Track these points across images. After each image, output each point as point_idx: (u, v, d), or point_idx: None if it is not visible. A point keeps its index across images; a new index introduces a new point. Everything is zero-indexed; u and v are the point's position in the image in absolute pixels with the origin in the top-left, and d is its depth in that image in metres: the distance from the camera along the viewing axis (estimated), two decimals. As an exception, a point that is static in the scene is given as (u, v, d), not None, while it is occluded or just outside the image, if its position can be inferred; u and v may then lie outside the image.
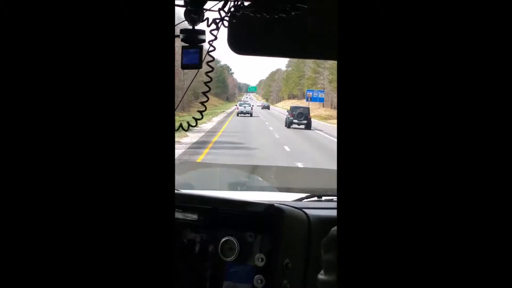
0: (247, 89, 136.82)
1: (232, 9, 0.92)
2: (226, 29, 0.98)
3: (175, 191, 1.53)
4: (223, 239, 1.44)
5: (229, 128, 23.36)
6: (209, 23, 0.93)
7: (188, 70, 0.93)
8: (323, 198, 1.89)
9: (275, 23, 0.91)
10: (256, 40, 1.01)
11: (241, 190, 2.50)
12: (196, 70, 0.95)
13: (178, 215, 1.49)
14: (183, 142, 14.82)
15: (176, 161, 1.04)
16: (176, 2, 0.90)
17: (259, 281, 1.39)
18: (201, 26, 0.93)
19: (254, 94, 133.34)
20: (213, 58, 0.99)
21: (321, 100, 46.66)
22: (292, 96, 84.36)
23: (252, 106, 42.28)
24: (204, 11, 0.92)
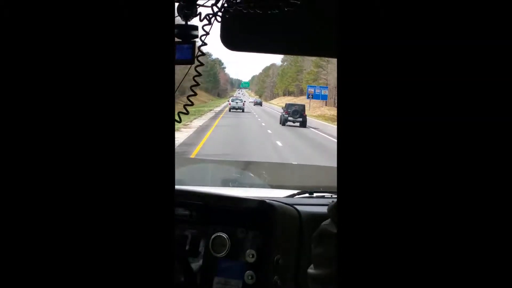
0: (240, 84, 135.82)
1: (226, 4, 0.92)
2: (219, 24, 0.98)
3: None
4: (214, 235, 1.44)
5: (213, 143, 14.19)
6: (202, 18, 0.93)
7: (177, 65, 0.93)
8: (315, 194, 1.89)
9: (268, 19, 0.91)
10: (249, 36, 1.01)
11: (233, 186, 2.50)
12: (188, 66, 0.95)
13: None
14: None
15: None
16: None
17: (250, 277, 1.40)
18: (194, 21, 0.93)
19: (246, 90, 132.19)
20: (203, 54, 0.99)
21: (324, 97, 41.79)
22: (288, 93, 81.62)
23: (244, 102, 42.30)
24: (197, 6, 0.92)
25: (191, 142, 14.09)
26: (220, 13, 0.93)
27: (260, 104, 61.18)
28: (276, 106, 57.11)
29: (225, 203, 1.51)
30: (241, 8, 0.90)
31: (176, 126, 0.65)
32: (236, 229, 1.44)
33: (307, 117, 25.50)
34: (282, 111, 26.06)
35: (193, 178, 2.68)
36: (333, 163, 0.75)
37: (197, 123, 22.33)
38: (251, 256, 1.41)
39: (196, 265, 1.45)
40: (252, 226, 1.44)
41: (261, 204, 1.47)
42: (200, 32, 0.94)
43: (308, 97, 41.55)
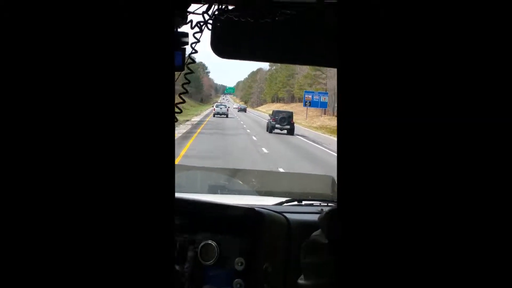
0: (224, 90, 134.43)
1: (216, 12, 0.92)
2: (209, 32, 0.98)
3: None
4: (203, 243, 1.43)
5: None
6: (193, 25, 0.93)
7: None
8: (303, 202, 1.89)
9: (259, 28, 0.91)
10: (239, 44, 1.01)
11: (222, 193, 2.49)
12: (178, 73, 0.95)
13: None
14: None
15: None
16: None
17: (239, 285, 1.39)
18: (185, 28, 0.93)
19: (231, 96, 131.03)
20: (194, 61, 0.99)
21: (323, 105, 35.37)
22: (276, 99, 79.04)
23: (228, 108, 42.67)
24: (188, 13, 0.92)
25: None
26: (211, 21, 0.93)
27: (244, 110, 61.43)
28: (264, 113, 54.02)
29: (213, 211, 1.50)
30: (232, 16, 0.90)
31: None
32: (224, 237, 1.43)
33: (305, 128, 24.65)
34: (269, 117, 25.98)
35: (182, 185, 2.66)
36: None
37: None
38: (239, 264, 1.40)
39: (184, 273, 1.44)
40: (241, 234, 1.43)
41: (250, 212, 1.47)
42: (191, 40, 0.94)
43: (305, 105, 35.82)
